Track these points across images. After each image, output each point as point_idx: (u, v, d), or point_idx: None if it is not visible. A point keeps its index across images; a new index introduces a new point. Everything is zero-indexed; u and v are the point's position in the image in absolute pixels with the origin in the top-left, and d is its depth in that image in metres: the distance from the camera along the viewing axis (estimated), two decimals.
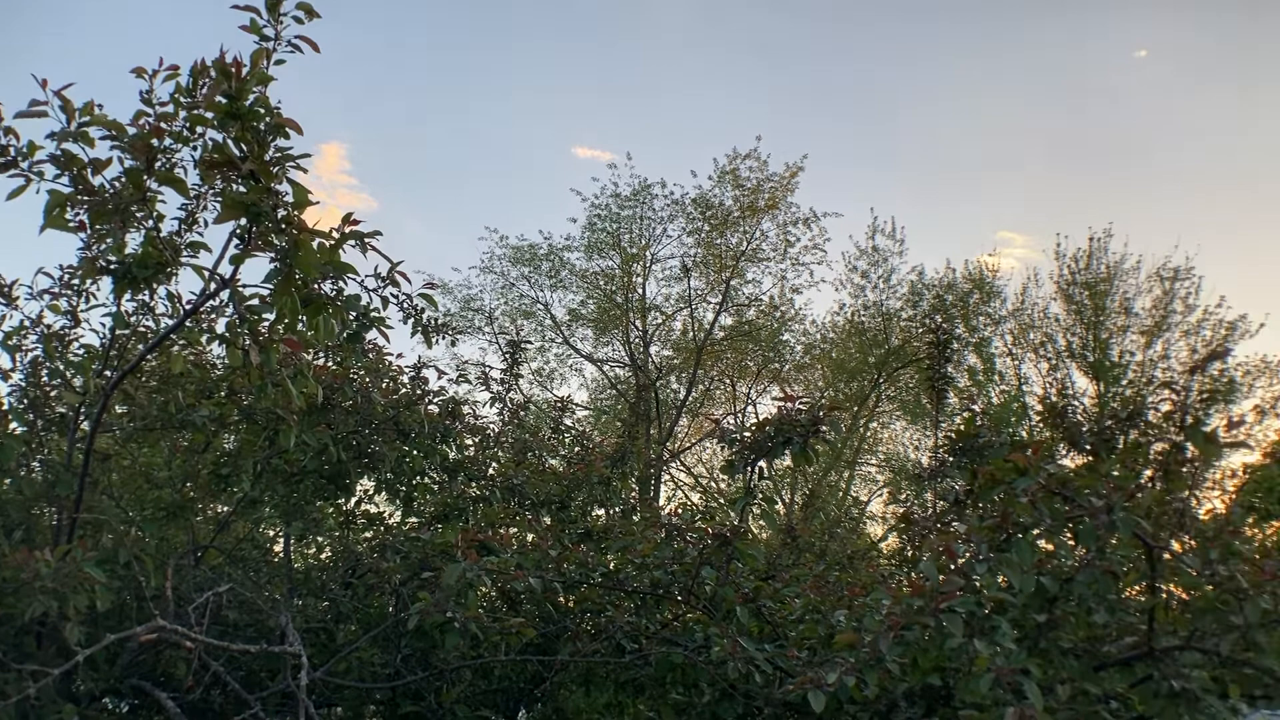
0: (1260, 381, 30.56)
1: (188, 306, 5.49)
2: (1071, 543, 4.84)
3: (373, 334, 5.59)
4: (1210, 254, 49.27)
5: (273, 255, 4.17)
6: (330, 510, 8.70)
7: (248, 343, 4.60)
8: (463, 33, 45.95)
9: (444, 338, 6.44)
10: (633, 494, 10.72)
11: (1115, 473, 4.62)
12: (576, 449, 10.26)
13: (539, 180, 52.16)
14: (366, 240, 4.41)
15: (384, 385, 7.95)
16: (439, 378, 8.33)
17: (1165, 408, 4.87)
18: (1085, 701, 5.03)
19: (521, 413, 10.39)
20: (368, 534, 8.80)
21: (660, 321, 31.07)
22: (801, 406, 5.67)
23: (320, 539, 9.14)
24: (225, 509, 8.30)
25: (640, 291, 30.68)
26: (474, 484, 8.80)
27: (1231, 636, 4.80)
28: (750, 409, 31.96)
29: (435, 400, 8.17)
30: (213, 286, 4.82)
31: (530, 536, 7.80)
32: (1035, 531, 4.49)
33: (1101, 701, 5.15)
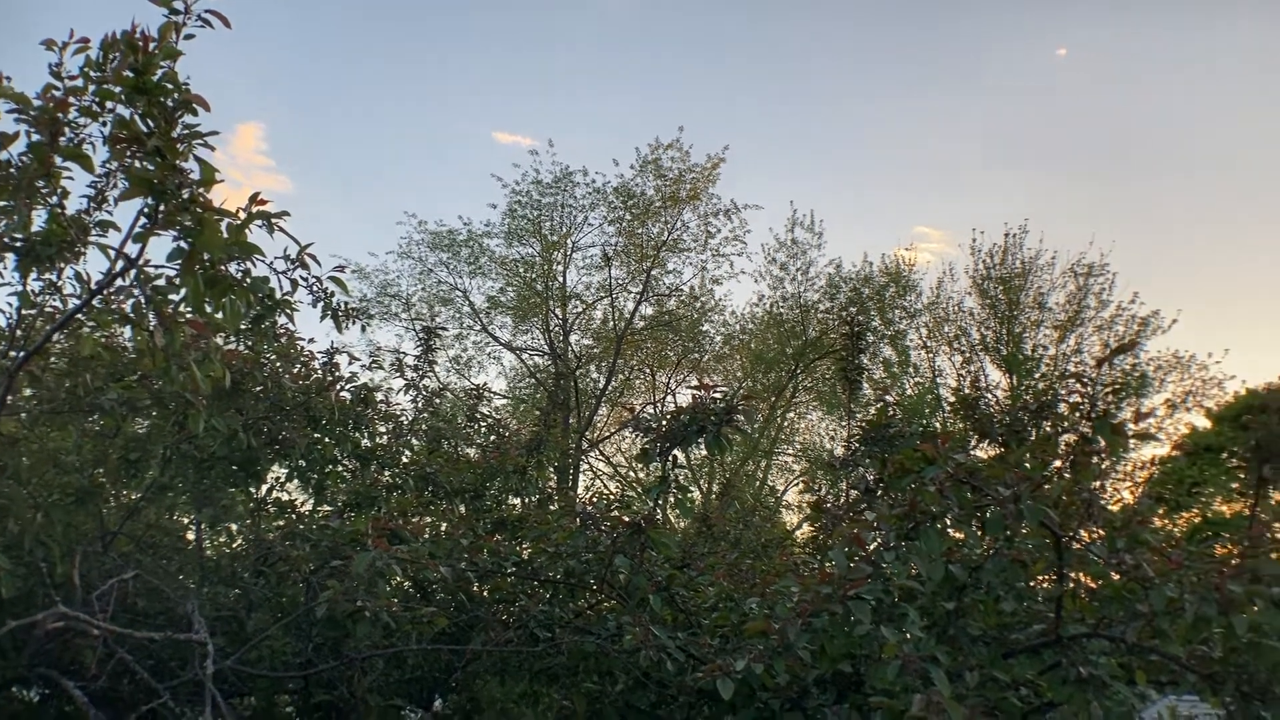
0: (1171, 376, 31.24)
1: (95, 286, 5.36)
2: (980, 532, 4.89)
3: (286, 318, 5.50)
4: (1124, 250, 50.16)
5: (176, 234, 4.07)
6: (241, 497, 8.56)
7: (153, 324, 4.49)
8: (384, 14, 45.50)
9: (355, 322, 6.35)
10: (549, 483, 10.68)
11: (1025, 464, 4.68)
12: (492, 438, 10.19)
13: (459, 165, 51.77)
14: (274, 221, 4.31)
15: (295, 370, 7.83)
16: (350, 363, 8.24)
17: (1074, 400, 4.94)
18: (994, 688, 5.09)
19: (436, 400, 10.29)
20: (279, 522, 8.67)
21: (580, 310, 31.01)
22: (716, 395, 5.67)
23: (232, 527, 8.99)
24: (135, 495, 8.13)
25: (560, 280, 30.60)
26: (387, 472, 8.71)
27: (1137, 624, 4.89)
28: (670, 398, 32.04)
29: (347, 387, 8.07)
30: (119, 266, 4.70)
31: (444, 526, 7.75)
32: (944, 520, 4.53)
33: (1010, 688, 5.22)
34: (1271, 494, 5.78)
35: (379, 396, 8.52)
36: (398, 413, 9.16)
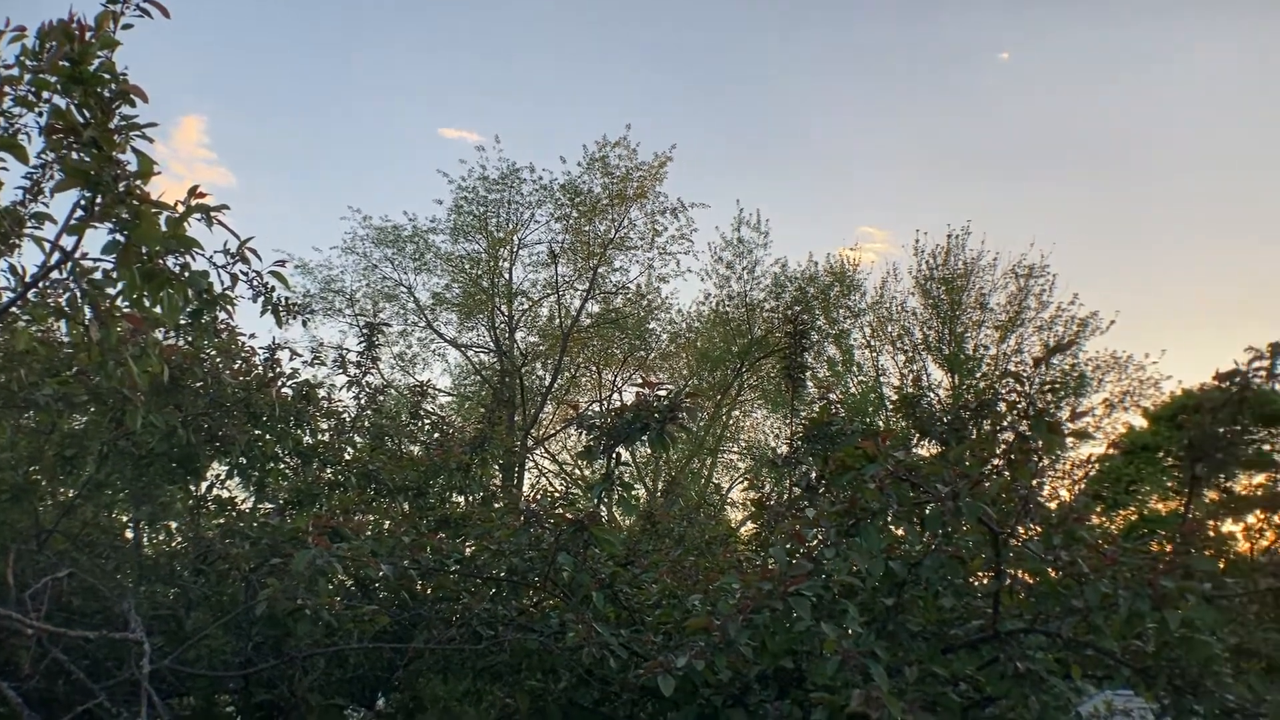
0: (1110, 376, 31.68)
1: (30, 280, 5.27)
2: (919, 528, 4.93)
3: (225, 314, 5.43)
4: (1064, 252, 50.80)
5: (112, 227, 4.01)
6: (180, 495, 8.46)
7: (89, 318, 4.43)
8: (329, 7, 45.13)
9: (296, 318, 6.29)
10: (494, 481, 10.64)
11: (964, 462, 4.72)
12: (436, 435, 10.14)
13: (405, 161, 51.48)
14: (213, 214, 4.27)
15: (236, 366, 7.75)
16: (290, 359, 8.17)
17: (1012, 399, 4.99)
18: (933, 683, 5.14)
19: (380, 397, 10.23)
20: (219, 520, 8.57)
21: (527, 307, 30.92)
22: (660, 393, 5.68)
23: (171, 525, 8.88)
24: (71, 492, 8.01)
25: (506, 277, 30.49)
26: (329, 469, 8.64)
27: (1073, 620, 4.95)
28: (616, 396, 32.03)
29: (289, 383, 8.00)
30: (55, 259, 4.63)
31: (386, 524, 7.70)
32: (884, 517, 4.56)
33: (949, 683, 5.27)
34: (1205, 492, 5.86)
35: (321, 393, 8.45)
36: (340, 409, 9.09)
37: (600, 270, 29.83)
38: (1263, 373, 5.20)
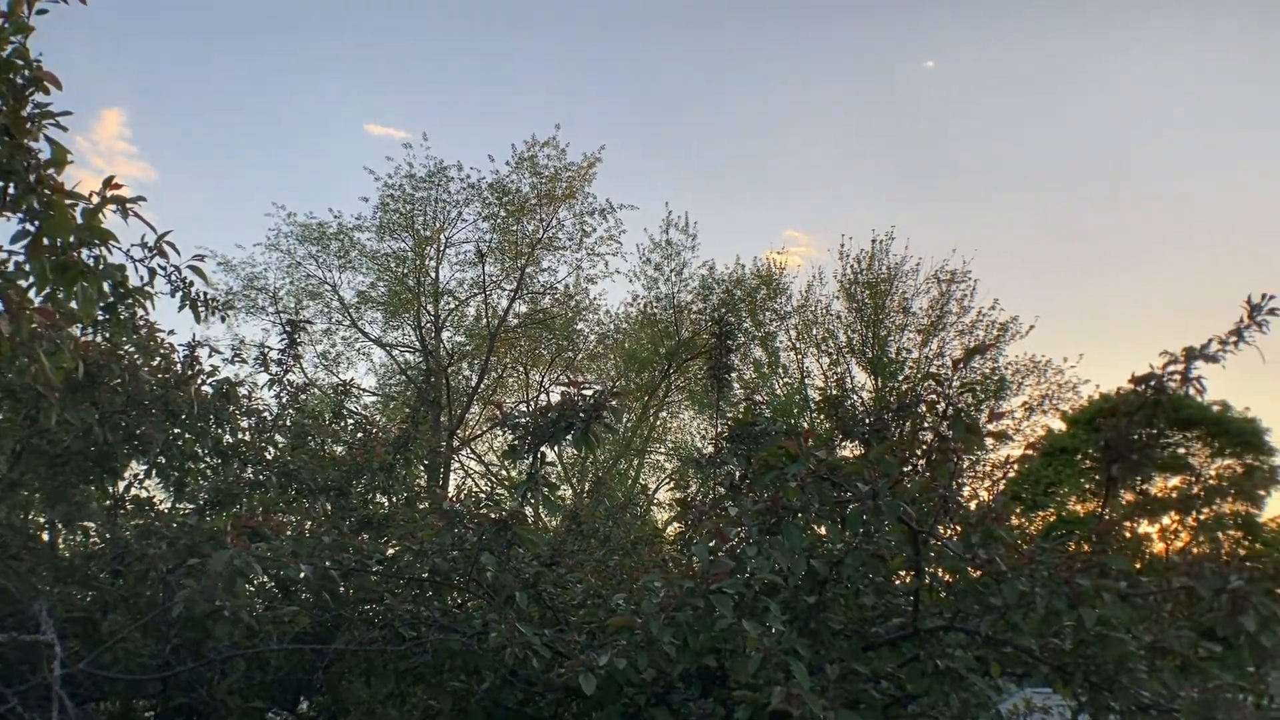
0: (1029, 380, 32.24)
1: None
2: (841, 527, 4.96)
3: (143, 309, 5.33)
4: (986, 258, 51.63)
5: (23, 217, 3.92)
6: (97, 494, 8.29)
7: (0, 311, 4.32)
8: (254, 1, 44.58)
9: (215, 313, 6.19)
10: (418, 482, 10.56)
11: (885, 461, 4.76)
12: (359, 435, 10.04)
13: (331, 157, 51.02)
14: (129, 206, 4.18)
15: (155, 363, 7.61)
16: (209, 356, 8.03)
17: (932, 400, 5.04)
18: (854, 680, 5.17)
19: (302, 396, 10.09)
20: (137, 520, 8.42)
21: (453, 307, 30.76)
22: (585, 392, 5.66)
23: (88, 524, 8.70)
24: None
25: (433, 275, 30.31)
26: (250, 469, 8.52)
27: (991, 617, 5.01)
28: (543, 397, 31.94)
29: (209, 381, 7.87)
30: None
31: (308, 524, 7.61)
32: (805, 515, 4.59)
33: (871, 681, 5.31)
34: (1121, 493, 5.95)
35: (242, 391, 8.32)
36: (261, 408, 8.96)
37: (528, 270, 29.80)
38: (1177, 377, 5.28)
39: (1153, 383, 5.31)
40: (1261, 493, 40.22)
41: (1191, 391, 5.28)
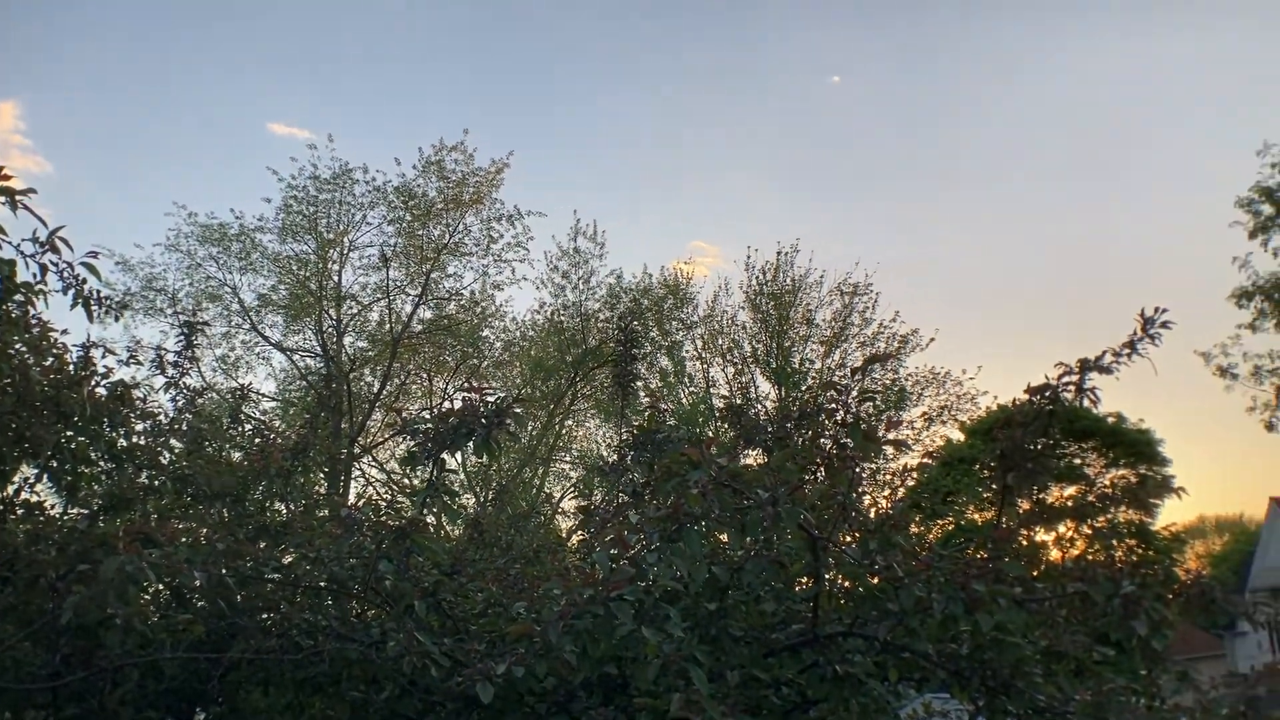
0: (929, 391, 32.81)
1: None
2: (741, 533, 4.99)
3: (33, 307, 5.19)
4: (888, 270, 52.52)
5: None
6: None
7: None
8: None
9: (109, 312, 6.05)
10: (317, 489, 10.41)
11: (786, 468, 4.79)
12: (257, 440, 9.87)
13: (233, 156, 50.33)
14: (18, 198, 4.06)
15: (47, 363, 7.42)
16: (104, 357, 7.85)
17: (831, 408, 5.09)
18: (755, 686, 5.20)
19: (199, 400, 9.91)
20: (26, 525, 8.18)
21: (356, 311, 30.36)
22: (487, 398, 5.62)
23: None
24: None
25: (336, 279, 29.89)
26: (144, 474, 8.33)
27: (889, 623, 5.06)
28: (447, 404, 31.61)
29: (103, 382, 7.69)
30: None
31: (203, 530, 7.46)
32: (706, 522, 4.60)
33: (771, 687, 5.34)
34: (1017, 502, 6.05)
35: (138, 394, 8.14)
36: (156, 411, 8.78)
37: (433, 276, 29.54)
38: (1071, 387, 5.38)
39: (1048, 393, 5.41)
40: (1154, 502, 41.12)
41: (1086, 402, 5.39)
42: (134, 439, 8.30)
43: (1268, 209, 24.26)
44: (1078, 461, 41.16)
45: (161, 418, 8.79)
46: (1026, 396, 5.51)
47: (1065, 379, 5.38)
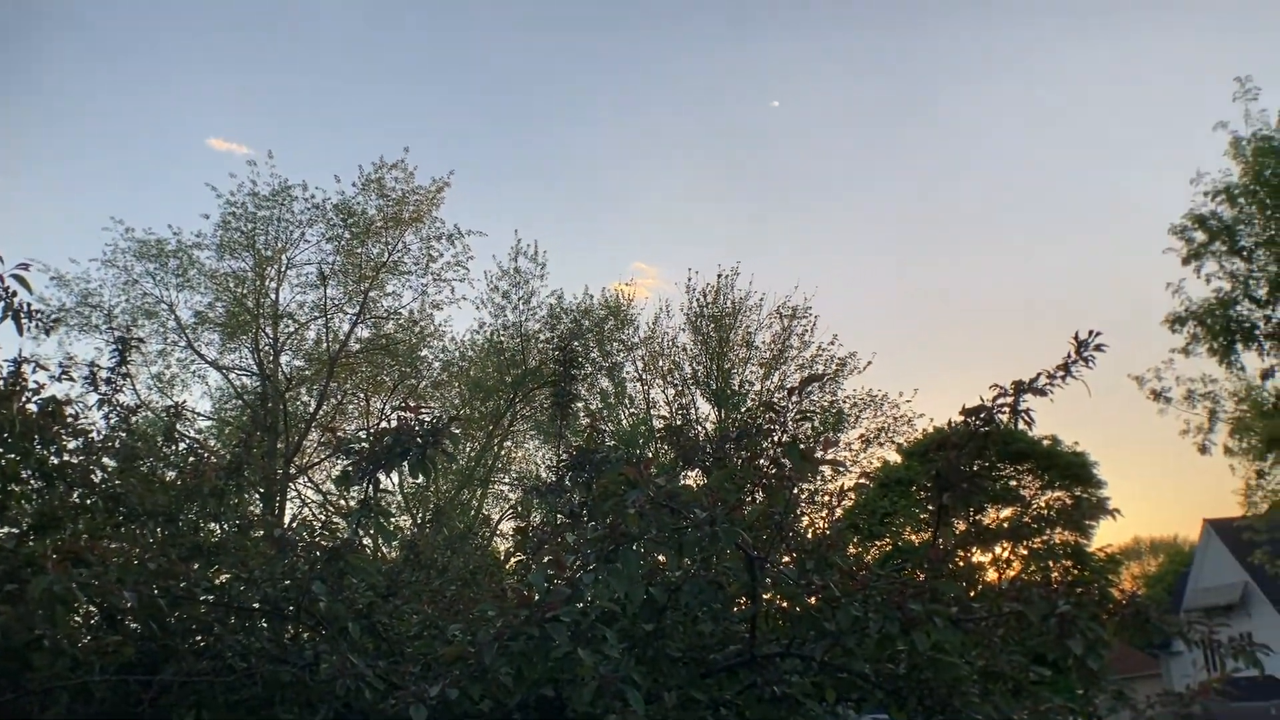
0: (866, 413, 33.08)
1: None
2: (679, 553, 4.99)
3: None
4: (826, 294, 52.99)
5: None
6: None
7: None
8: (92, 4, 43.32)
9: (40, 327, 5.95)
10: (251, 509, 10.29)
11: (724, 488, 4.80)
12: (191, 459, 9.74)
13: (172, 171, 49.82)
14: None
15: None
16: (35, 372, 7.72)
17: (768, 428, 5.12)
18: (692, 708, 5.19)
19: (133, 417, 9.76)
20: None
21: (293, 330, 30.05)
22: (423, 417, 5.58)
23: None
24: None
25: (273, 297, 29.57)
26: (75, 492, 8.19)
27: (826, 642, 5.08)
28: (384, 424, 31.33)
29: (34, 399, 7.56)
30: None
31: (135, 550, 7.35)
32: (644, 542, 4.59)
33: (709, 707, 5.33)
34: (953, 522, 6.10)
35: (70, 411, 8.01)
36: (89, 429, 8.64)
37: (372, 294, 29.35)
38: (1006, 409, 5.44)
39: (982, 415, 5.46)
40: (1089, 523, 41.92)
41: (1020, 424, 5.45)
42: (65, 457, 8.17)
43: (1200, 236, 24.71)
44: (1014, 484, 41.68)
45: (94, 435, 8.65)
46: (962, 418, 5.56)
47: (1000, 401, 5.44)
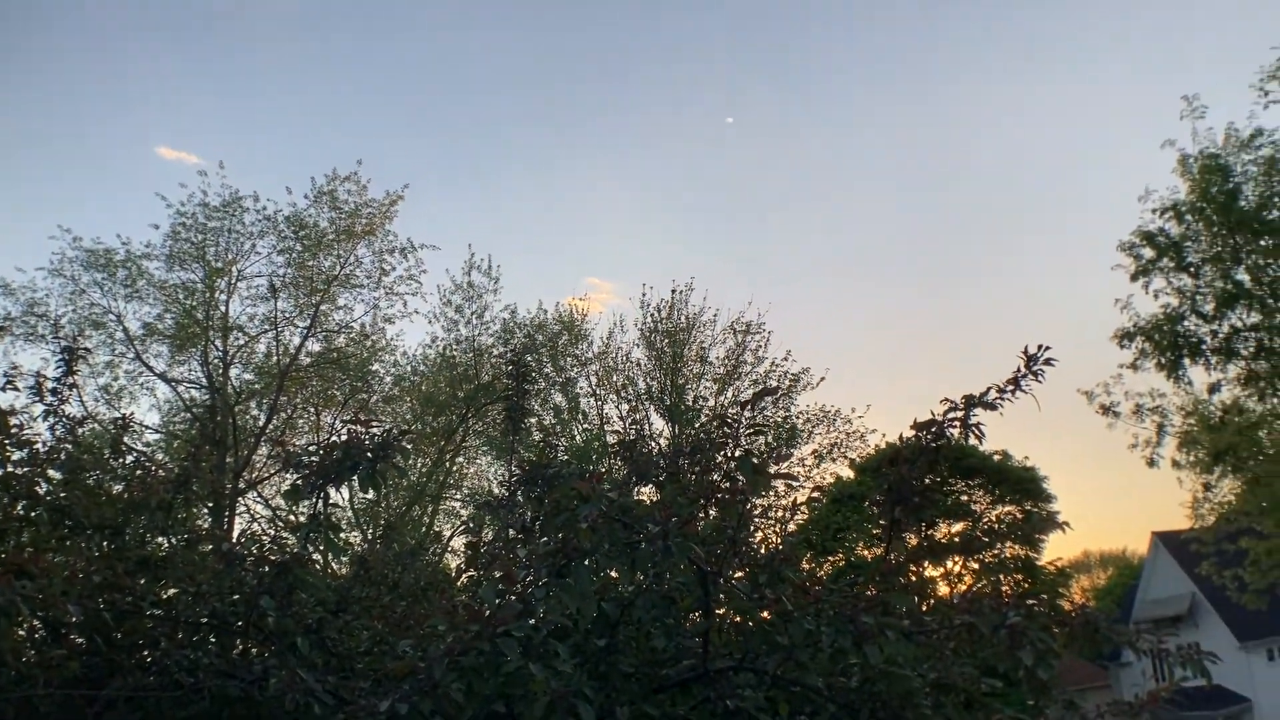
0: (819, 429, 33.21)
1: None
2: (631, 568, 4.98)
3: None
4: (780, 309, 53.29)
5: None
6: None
7: None
8: (34, 8, 42.84)
9: None
10: (199, 523, 10.17)
11: (677, 502, 4.79)
12: (138, 471, 9.62)
13: (121, 179, 49.32)
14: None
15: None
16: None
17: (720, 441, 5.12)
18: None
19: (79, 429, 9.63)
20: None
21: (243, 343, 29.73)
22: (373, 431, 5.55)
23: None
24: None
25: (223, 309, 29.25)
26: (20, 504, 8.07)
27: (779, 656, 5.08)
28: (334, 439, 30.99)
29: None
30: None
31: (79, 563, 7.25)
32: (596, 556, 4.57)
33: None
34: (905, 536, 6.13)
35: (14, 421, 7.90)
36: (34, 440, 8.51)
37: (323, 307, 29.10)
38: (957, 423, 5.47)
39: (933, 429, 5.49)
40: (1040, 537, 42.40)
41: (971, 438, 5.48)
42: (9, 468, 8.05)
43: (1148, 253, 25.07)
44: (965, 498, 42.03)
45: (39, 446, 8.54)
46: (913, 432, 5.59)
47: (951, 415, 5.47)
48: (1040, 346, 5.39)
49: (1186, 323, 24.87)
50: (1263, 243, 23.89)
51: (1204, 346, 24.72)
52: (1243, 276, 24.32)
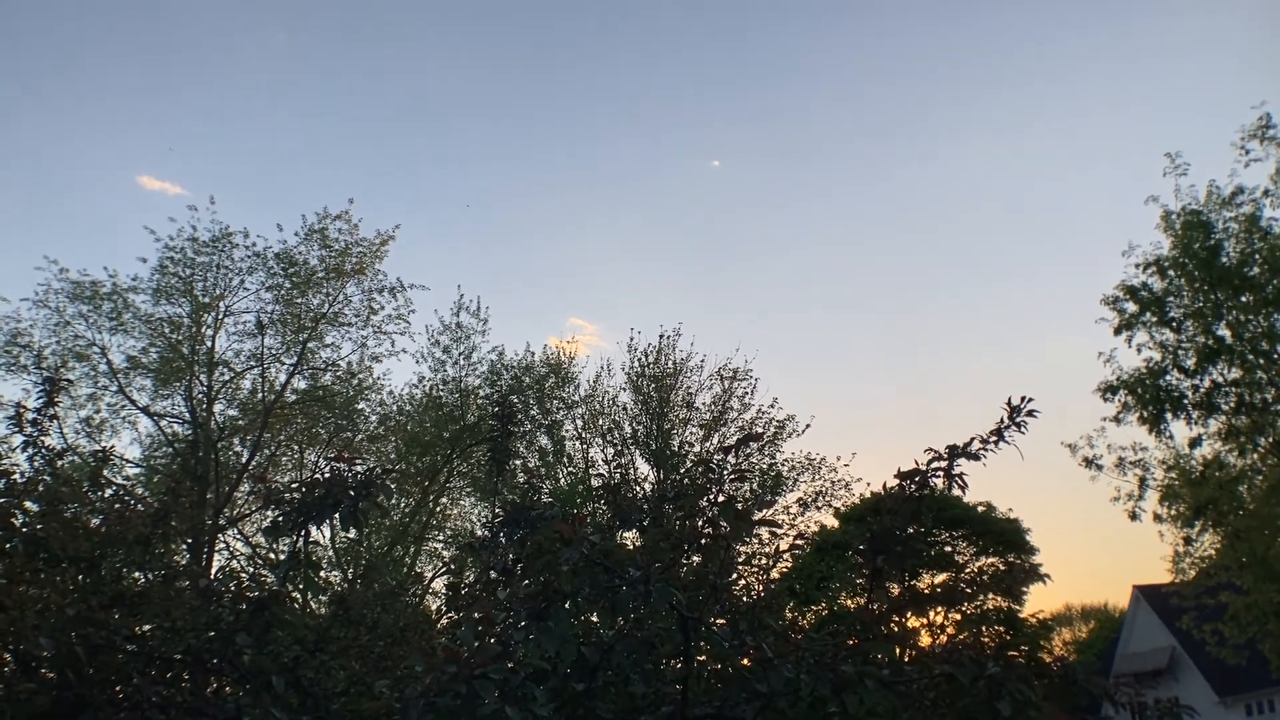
0: (804, 477, 33.16)
1: None
2: (612, 612, 4.94)
3: None
4: (768, 354, 53.45)
5: None
6: None
7: None
8: (16, 33, 42.95)
9: None
10: (177, 559, 10.09)
11: (660, 547, 4.77)
12: (116, 505, 9.54)
13: (100, 208, 49.29)
14: None
15: None
16: None
17: (703, 486, 5.10)
18: None
19: (58, 461, 9.55)
20: None
21: (228, 378, 29.57)
22: (356, 468, 5.51)
23: None
24: None
25: (209, 344, 29.10)
26: None
27: (757, 704, 5.04)
28: (318, 477, 30.79)
29: None
30: None
31: (55, 596, 7.18)
32: (577, 600, 4.54)
33: None
34: (887, 585, 6.09)
35: None
36: (12, 470, 8.45)
37: (310, 345, 29.01)
38: (941, 473, 5.46)
39: (917, 478, 5.48)
40: (1022, 589, 42.40)
41: (955, 488, 5.47)
42: None
43: (1132, 307, 25.21)
44: (948, 549, 42.01)
45: (17, 477, 8.47)
46: (897, 482, 5.58)
47: (935, 465, 5.46)
48: (1023, 398, 5.41)
49: (1169, 377, 24.97)
50: (1243, 299, 24.05)
51: (1185, 401, 24.80)
52: (1224, 332, 24.46)
